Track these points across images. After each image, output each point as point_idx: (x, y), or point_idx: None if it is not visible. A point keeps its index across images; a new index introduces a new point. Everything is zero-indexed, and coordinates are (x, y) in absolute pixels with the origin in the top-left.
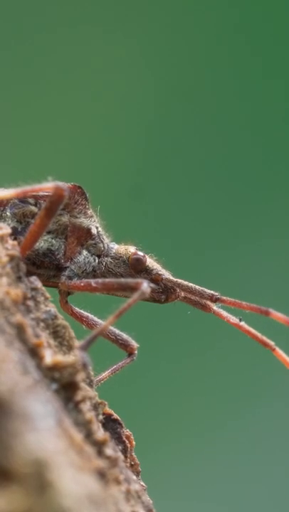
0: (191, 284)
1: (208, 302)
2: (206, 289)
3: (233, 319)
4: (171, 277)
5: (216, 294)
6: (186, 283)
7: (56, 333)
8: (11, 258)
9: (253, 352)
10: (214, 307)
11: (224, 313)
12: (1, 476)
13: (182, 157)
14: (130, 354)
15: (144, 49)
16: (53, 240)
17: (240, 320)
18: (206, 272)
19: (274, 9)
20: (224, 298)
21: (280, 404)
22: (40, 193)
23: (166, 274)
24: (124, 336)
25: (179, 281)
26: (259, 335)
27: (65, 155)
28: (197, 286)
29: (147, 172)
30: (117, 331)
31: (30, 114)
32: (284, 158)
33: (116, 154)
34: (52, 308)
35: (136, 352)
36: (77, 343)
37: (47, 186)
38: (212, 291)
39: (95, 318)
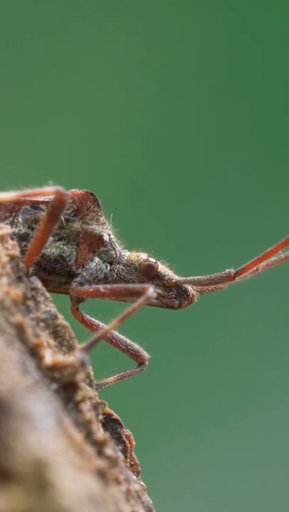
0: (205, 276)
1: (229, 282)
2: (220, 272)
3: (253, 270)
4: (184, 278)
5: (232, 269)
6: (200, 277)
7: (56, 333)
8: (11, 258)
9: (254, 353)
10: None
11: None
12: (1, 476)
13: (183, 157)
14: (140, 364)
15: (144, 51)
16: (65, 247)
17: (257, 269)
18: (207, 272)
19: (275, 7)
20: (243, 266)
21: (280, 405)
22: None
23: (179, 279)
24: (136, 346)
25: (192, 277)
26: (283, 254)
27: (66, 156)
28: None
29: (148, 173)
30: (128, 341)
31: (30, 114)
32: (286, 158)
33: (117, 155)
34: (52, 308)
35: (146, 363)
36: (77, 344)
37: (48, 190)
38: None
39: (106, 327)
